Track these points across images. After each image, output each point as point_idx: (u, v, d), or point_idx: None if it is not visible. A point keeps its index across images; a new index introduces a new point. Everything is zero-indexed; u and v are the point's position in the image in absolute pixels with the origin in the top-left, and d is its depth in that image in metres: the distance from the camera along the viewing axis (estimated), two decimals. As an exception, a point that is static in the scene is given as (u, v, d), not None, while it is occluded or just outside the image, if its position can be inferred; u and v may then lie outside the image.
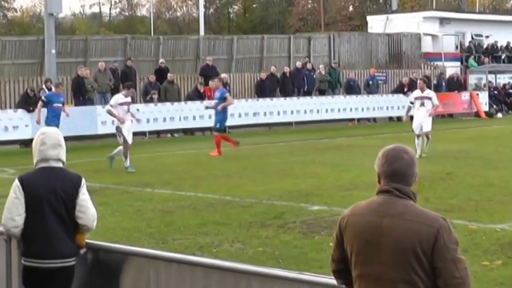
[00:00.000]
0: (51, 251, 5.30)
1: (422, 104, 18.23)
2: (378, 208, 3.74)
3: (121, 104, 16.63)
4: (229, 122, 26.22)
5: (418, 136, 18.04)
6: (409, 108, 18.83)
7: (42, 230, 5.29)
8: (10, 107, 23.73)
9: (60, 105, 19.47)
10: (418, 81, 19.08)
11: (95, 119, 23.37)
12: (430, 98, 18.32)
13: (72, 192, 5.33)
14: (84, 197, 5.38)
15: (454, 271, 3.60)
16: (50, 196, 5.28)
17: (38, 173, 5.39)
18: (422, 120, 18.05)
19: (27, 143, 20.53)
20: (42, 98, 19.17)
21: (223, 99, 19.44)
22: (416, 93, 18.56)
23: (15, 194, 5.29)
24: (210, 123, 25.88)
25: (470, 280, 3.66)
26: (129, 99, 16.98)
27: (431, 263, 3.61)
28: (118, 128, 16.71)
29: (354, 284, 3.82)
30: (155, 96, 25.26)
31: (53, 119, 18.77)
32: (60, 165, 5.42)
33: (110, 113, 16.91)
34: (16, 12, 65.22)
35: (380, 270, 3.67)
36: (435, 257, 3.60)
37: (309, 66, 30.44)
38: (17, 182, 5.32)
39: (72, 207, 5.32)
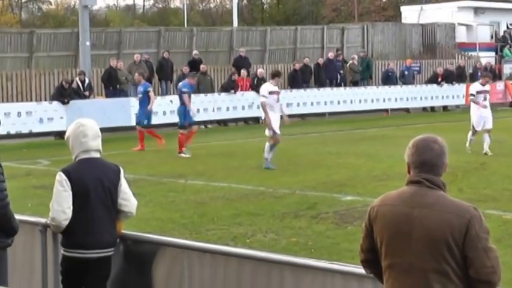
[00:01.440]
0: (97, 241, 5.36)
1: (485, 99, 17.50)
2: (408, 199, 3.74)
3: (271, 93, 15.43)
4: (261, 113, 26.25)
5: (475, 132, 17.26)
6: (474, 101, 17.79)
7: (89, 221, 5.35)
8: (45, 99, 23.90)
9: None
10: (483, 76, 18.21)
11: (129, 110, 23.43)
12: (488, 92, 17.73)
13: (115, 181, 5.43)
14: (125, 185, 5.50)
15: (485, 260, 3.61)
16: (97, 187, 5.35)
17: (81, 165, 5.42)
18: (486, 116, 17.36)
19: (61, 134, 20.87)
20: (184, 89, 18.25)
21: (146, 93, 19.16)
22: (478, 86, 17.72)
23: (63, 187, 5.31)
24: (244, 114, 26.04)
25: (500, 269, 3.67)
26: (277, 88, 15.83)
27: (463, 252, 3.62)
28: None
29: (383, 274, 3.83)
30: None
31: (187, 112, 18.13)
32: (99, 155, 5.49)
33: (263, 106, 15.40)
34: (51, 4, 65.89)
35: (411, 261, 3.68)
36: (467, 247, 3.61)
37: (339, 57, 30.40)
38: (62, 176, 5.34)
39: (116, 195, 5.43)
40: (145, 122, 19.29)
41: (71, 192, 5.30)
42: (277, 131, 15.30)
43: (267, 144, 15.35)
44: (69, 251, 5.41)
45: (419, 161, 3.76)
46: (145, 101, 19.22)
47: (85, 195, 5.33)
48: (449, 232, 3.62)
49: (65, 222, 5.31)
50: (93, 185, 5.35)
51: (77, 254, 5.37)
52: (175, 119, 24.21)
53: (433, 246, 3.64)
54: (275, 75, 15.98)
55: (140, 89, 19.56)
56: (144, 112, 19.27)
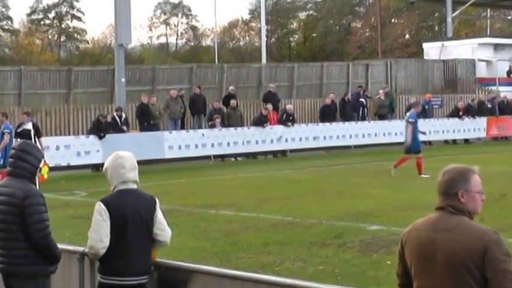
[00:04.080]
0: (134, 268, 5.45)
1: None
2: (432, 223, 3.93)
3: None
4: (290, 146, 26.79)
5: None
6: None
7: (126, 249, 5.43)
8: (82, 133, 24.28)
9: None
10: None
11: (162, 143, 23.91)
12: None
13: (151, 212, 5.51)
14: (160, 215, 5.57)
15: (504, 282, 3.71)
16: (134, 216, 5.43)
17: (119, 195, 5.49)
18: None
19: (98, 167, 21.06)
20: (411, 120, 19.37)
21: (2, 134, 18.77)
22: None
23: (102, 217, 5.38)
24: (273, 147, 26.53)
25: None
26: None
27: (483, 274, 3.74)
28: None
29: None
30: (218, 120, 25.69)
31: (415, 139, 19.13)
32: (135, 186, 5.57)
33: None
34: (88, 43, 67.06)
35: (435, 283, 3.84)
36: (486, 269, 3.73)
37: (361, 92, 30.84)
38: (101, 205, 5.41)
39: (151, 225, 5.51)
40: (2, 161, 18.55)
41: (109, 222, 5.38)
42: None
43: None
44: (106, 278, 5.48)
45: (440, 189, 3.98)
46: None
47: (123, 224, 5.40)
48: (468, 255, 3.74)
49: (103, 251, 5.40)
50: (131, 214, 5.42)
51: (115, 281, 5.45)
52: (207, 152, 24.81)
53: (454, 268, 3.76)
54: None
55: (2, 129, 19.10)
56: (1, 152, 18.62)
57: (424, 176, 18.39)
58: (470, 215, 3.93)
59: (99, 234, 5.39)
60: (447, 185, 3.95)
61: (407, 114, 19.87)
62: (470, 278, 3.74)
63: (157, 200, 5.64)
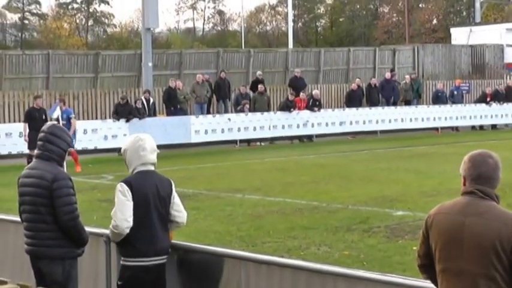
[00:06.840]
0: (157, 248, 5.53)
1: None
2: (462, 208, 3.93)
3: None
4: (316, 131, 26.89)
5: None
6: None
7: (150, 229, 5.51)
8: (109, 117, 24.35)
9: None
10: None
11: (189, 128, 24.04)
12: None
13: (169, 193, 5.62)
14: (177, 197, 5.71)
15: None
16: (154, 197, 5.52)
17: (140, 177, 5.55)
18: None
19: None
20: None
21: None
22: None
23: (126, 197, 5.44)
24: (299, 132, 26.61)
25: None
26: None
27: (510, 258, 3.77)
28: None
29: (437, 278, 4.01)
30: (247, 106, 25.76)
31: None
32: (153, 168, 5.65)
33: None
34: (115, 27, 67.22)
35: (462, 266, 3.86)
36: None
37: (395, 78, 30.73)
38: (124, 186, 5.48)
39: (169, 206, 5.63)
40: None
41: (132, 202, 5.45)
42: None
43: None
44: (130, 260, 5.53)
45: (475, 174, 3.95)
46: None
47: (146, 205, 5.49)
48: (498, 240, 3.77)
49: (127, 230, 5.44)
50: (152, 195, 5.51)
51: (139, 262, 5.51)
52: (233, 136, 24.93)
53: (482, 252, 3.79)
54: None
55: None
56: None
57: None
58: (498, 199, 3.95)
59: (124, 214, 5.45)
60: (496, 169, 3.97)
61: None
62: (497, 262, 3.78)
63: (172, 182, 5.72)
